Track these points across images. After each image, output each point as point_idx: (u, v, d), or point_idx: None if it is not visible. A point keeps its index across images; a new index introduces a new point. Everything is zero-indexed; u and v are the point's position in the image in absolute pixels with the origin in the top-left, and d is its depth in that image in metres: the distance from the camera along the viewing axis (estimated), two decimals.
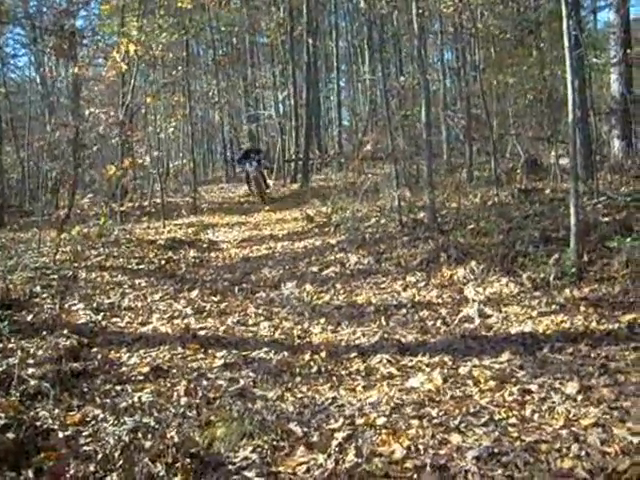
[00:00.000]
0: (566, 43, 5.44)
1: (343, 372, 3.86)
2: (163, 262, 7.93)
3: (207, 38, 24.47)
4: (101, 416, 3.30)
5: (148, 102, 13.29)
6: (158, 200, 13.15)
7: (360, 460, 2.71)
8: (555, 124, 10.73)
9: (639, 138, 10.23)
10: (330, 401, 3.40)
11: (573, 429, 2.81)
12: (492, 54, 14.39)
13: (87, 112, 13.73)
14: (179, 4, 11.32)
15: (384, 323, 4.83)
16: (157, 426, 3.11)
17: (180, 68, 16.45)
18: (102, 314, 5.43)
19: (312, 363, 4.02)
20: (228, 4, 19.66)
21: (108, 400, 3.52)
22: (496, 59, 13.50)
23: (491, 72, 12.37)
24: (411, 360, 3.93)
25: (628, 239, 5.25)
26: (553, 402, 3.10)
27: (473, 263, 5.97)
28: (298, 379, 3.79)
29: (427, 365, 3.83)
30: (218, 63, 23.92)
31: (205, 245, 9.41)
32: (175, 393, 3.63)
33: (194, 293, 6.22)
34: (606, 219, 6.39)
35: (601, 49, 12.36)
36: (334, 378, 3.76)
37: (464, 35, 15.04)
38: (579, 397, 3.12)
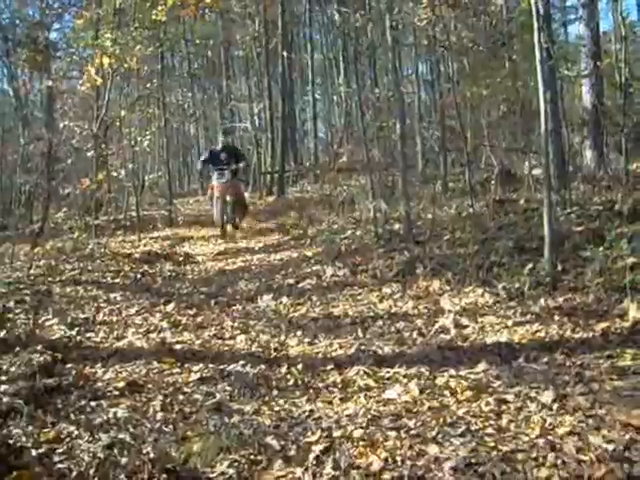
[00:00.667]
0: (538, 55, 5.50)
1: (320, 384, 3.84)
2: (139, 276, 7.86)
3: (182, 51, 24.46)
4: (76, 433, 3.24)
5: (123, 115, 13.22)
6: (133, 213, 13.04)
7: (338, 473, 2.70)
8: (528, 135, 10.84)
9: (611, 149, 10.35)
10: (307, 414, 3.38)
11: (549, 438, 2.81)
12: (466, 66, 14.51)
13: (61, 125, 13.63)
14: (154, 17, 11.28)
15: (361, 335, 4.82)
16: (133, 442, 3.06)
17: (155, 81, 16.38)
18: (77, 329, 5.34)
19: (289, 376, 4.00)
20: (203, 17, 19.66)
21: (83, 416, 3.47)
22: (470, 71, 13.62)
23: (465, 84, 12.46)
24: (388, 371, 3.92)
25: (601, 248, 5.30)
26: (529, 411, 3.11)
27: (449, 274, 6.00)
28: (275, 392, 3.76)
29: (404, 376, 3.82)
30: (193, 76, 23.91)
31: (181, 258, 9.33)
32: (151, 408, 3.58)
33: (170, 307, 6.15)
34: (579, 229, 6.45)
35: (572, 61, 12.53)
36: (311, 391, 3.74)
37: (438, 47, 15.16)
38: (555, 406, 3.12)
